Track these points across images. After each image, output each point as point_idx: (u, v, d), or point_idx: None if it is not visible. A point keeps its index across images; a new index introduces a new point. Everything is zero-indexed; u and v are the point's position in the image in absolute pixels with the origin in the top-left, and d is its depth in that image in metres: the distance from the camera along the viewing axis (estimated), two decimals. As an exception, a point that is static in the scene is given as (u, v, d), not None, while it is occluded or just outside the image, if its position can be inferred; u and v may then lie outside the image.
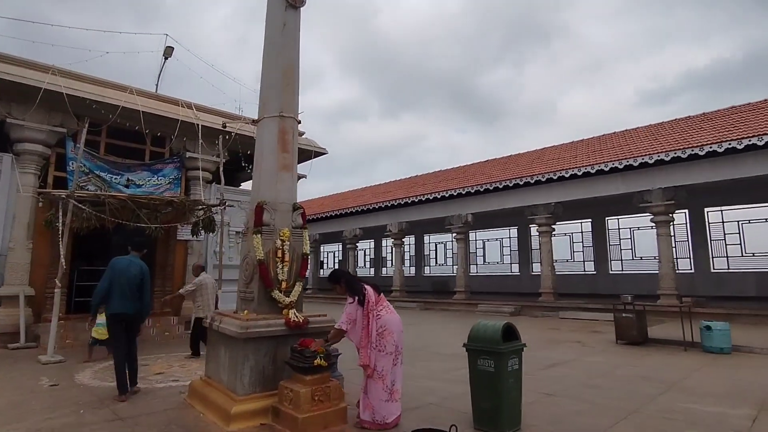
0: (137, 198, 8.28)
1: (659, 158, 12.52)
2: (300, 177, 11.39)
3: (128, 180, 9.35)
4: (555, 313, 14.15)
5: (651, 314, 10.01)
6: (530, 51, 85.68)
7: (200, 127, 9.94)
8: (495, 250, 23.50)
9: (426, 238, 26.59)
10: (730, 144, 11.37)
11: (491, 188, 16.39)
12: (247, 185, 13.18)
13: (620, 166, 13.30)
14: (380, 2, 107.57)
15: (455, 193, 17.44)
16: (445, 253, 25.65)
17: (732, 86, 63.71)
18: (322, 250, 30.34)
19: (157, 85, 12.07)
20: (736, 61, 62.97)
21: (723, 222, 16.26)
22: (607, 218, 19.15)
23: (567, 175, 14.44)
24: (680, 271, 14.59)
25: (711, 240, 16.48)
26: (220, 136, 9.57)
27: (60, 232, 7.47)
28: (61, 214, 7.57)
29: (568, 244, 20.46)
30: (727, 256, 16.10)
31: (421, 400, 4.71)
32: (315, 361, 3.77)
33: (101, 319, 6.62)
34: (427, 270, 26.68)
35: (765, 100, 14.60)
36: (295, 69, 5.10)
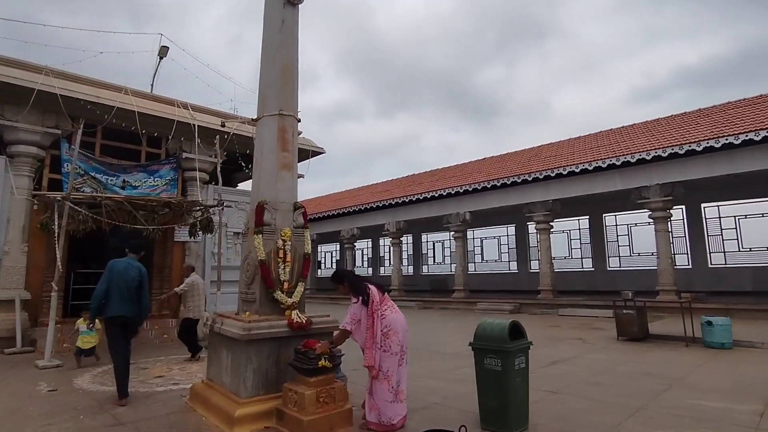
0: (134, 199, 8.19)
1: (656, 154, 12.55)
2: (298, 177, 11.30)
3: (124, 181, 9.23)
4: (554, 310, 14.16)
5: (650, 310, 10.01)
6: (524, 50, 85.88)
7: (197, 127, 9.84)
8: (493, 247, 23.50)
9: (424, 236, 26.54)
10: (726, 139, 11.42)
11: (489, 186, 16.39)
12: (244, 186, 13.10)
13: (618, 163, 13.33)
14: (375, 3, 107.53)
15: (453, 192, 17.42)
16: (443, 252, 25.64)
17: (724, 83, 64.11)
18: (319, 250, 30.29)
19: (152, 85, 11.96)
20: (728, 58, 63.35)
21: (720, 217, 16.33)
22: (604, 215, 19.18)
23: (565, 173, 14.47)
24: (678, 267, 14.64)
25: (708, 235, 16.55)
26: (218, 136, 9.48)
27: (56, 235, 7.37)
28: (56, 216, 7.47)
29: (566, 241, 20.49)
30: (724, 252, 16.18)
31: (424, 400, 4.67)
32: (319, 363, 3.72)
33: (84, 327, 6.53)
34: (425, 269, 26.65)
35: (760, 96, 14.70)
36: (294, 66, 5.04)
